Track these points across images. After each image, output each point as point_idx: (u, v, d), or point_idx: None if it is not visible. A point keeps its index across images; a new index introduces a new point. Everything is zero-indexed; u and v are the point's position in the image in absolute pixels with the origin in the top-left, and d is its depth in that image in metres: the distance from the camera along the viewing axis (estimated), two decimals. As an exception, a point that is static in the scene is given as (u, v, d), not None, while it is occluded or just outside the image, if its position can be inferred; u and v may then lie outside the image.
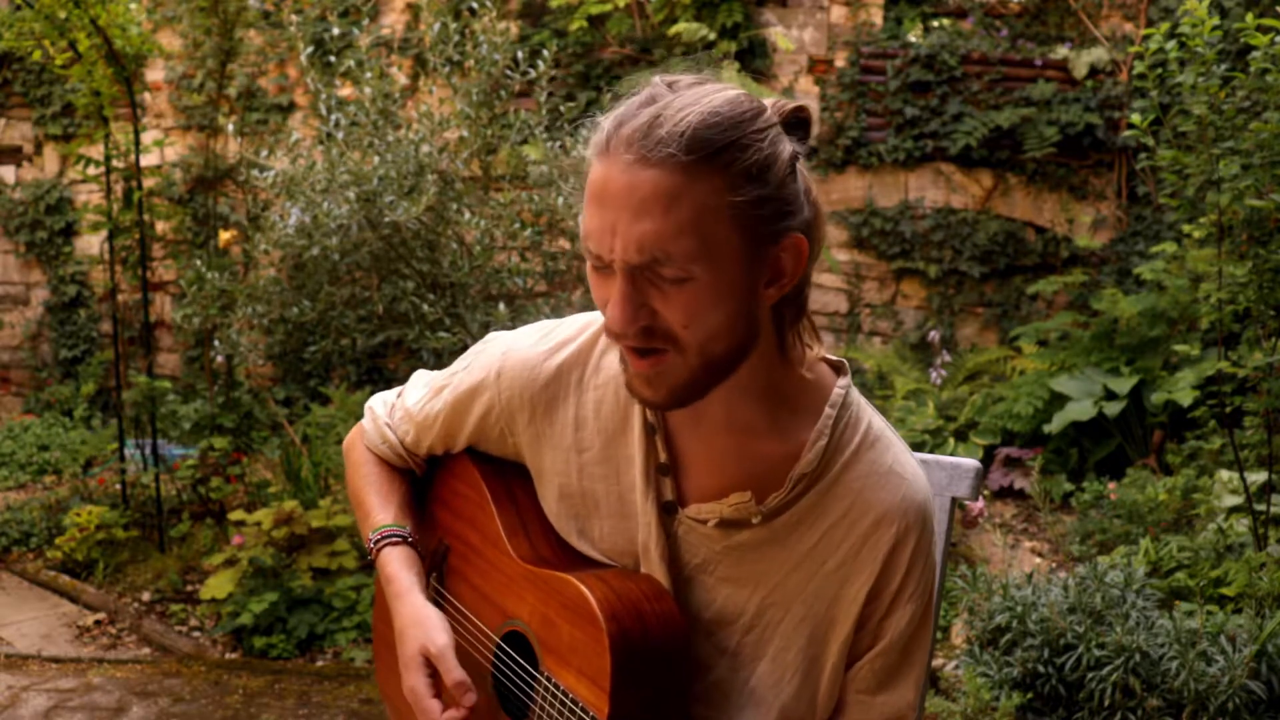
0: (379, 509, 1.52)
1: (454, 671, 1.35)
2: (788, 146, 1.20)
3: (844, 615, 1.31)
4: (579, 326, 1.41)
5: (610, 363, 1.37)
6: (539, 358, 1.39)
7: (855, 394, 1.35)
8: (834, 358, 1.37)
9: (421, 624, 1.40)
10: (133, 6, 4.87)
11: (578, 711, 1.28)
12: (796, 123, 1.23)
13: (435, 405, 1.49)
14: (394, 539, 1.49)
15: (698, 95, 1.17)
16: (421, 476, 1.60)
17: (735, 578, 1.33)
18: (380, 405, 1.59)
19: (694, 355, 1.19)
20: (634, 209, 1.13)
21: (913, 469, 1.33)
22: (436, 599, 1.54)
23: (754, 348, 1.24)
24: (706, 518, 1.32)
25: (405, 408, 1.54)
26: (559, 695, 1.31)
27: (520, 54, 4.32)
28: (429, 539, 1.57)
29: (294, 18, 6.10)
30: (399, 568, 1.47)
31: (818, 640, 1.33)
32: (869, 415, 1.35)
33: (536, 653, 1.36)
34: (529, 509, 1.45)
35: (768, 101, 1.22)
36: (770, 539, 1.31)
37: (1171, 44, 3.29)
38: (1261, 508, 3.55)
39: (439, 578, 1.55)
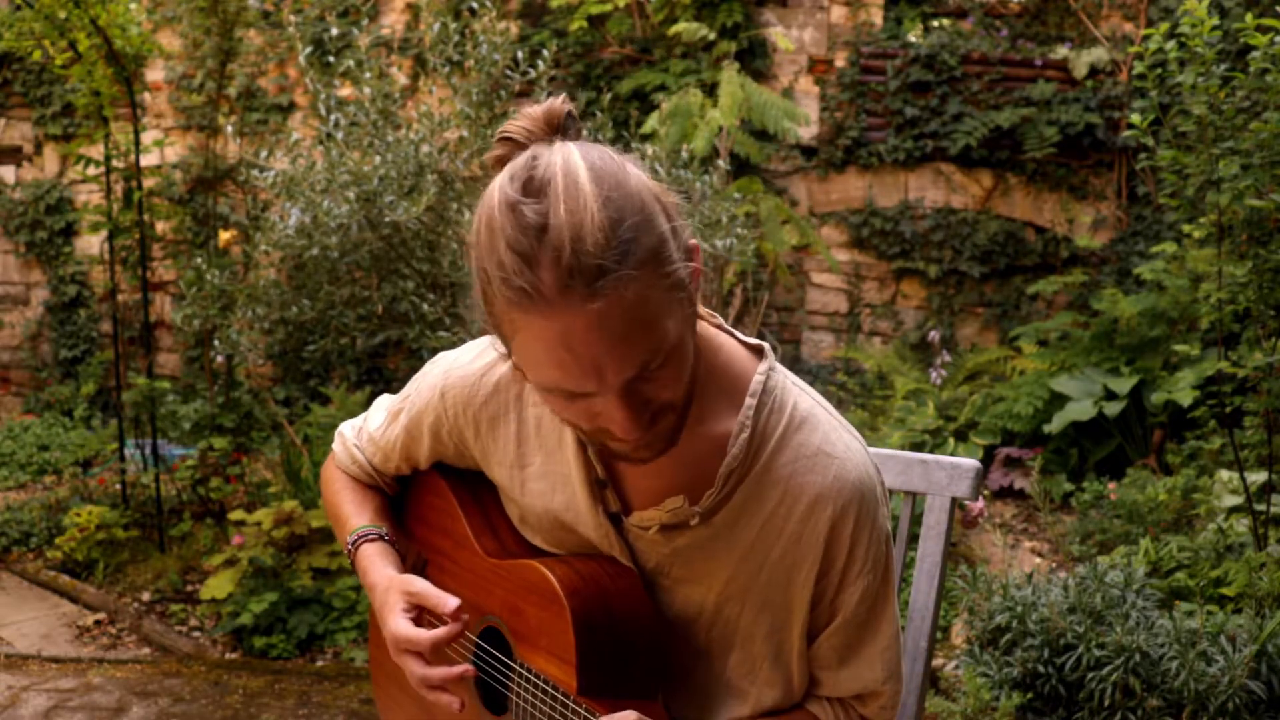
0: (354, 515, 1.56)
1: (433, 594, 1.35)
2: (637, 174, 1.14)
3: (798, 600, 1.32)
4: None
5: None
6: (476, 374, 1.41)
7: (778, 377, 1.32)
8: (753, 341, 1.35)
9: (399, 580, 1.42)
10: (133, 6, 4.86)
11: (550, 691, 1.29)
12: (566, 122, 1.18)
13: (393, 431, 1.52)
14: (370, 536, 1.52)
15: (576, 205, 1.08)
16: (394, 496, 1.63)
17: (688, 578, 1.34)
18: (349, 430, 1.63)
19: (684, 407, 1.22)
20: (613, 340, 1.09)
21: (843, 446, 1.31)
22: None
23: None
24: (648, 525, 1.33)
25: (369, 433, 1.58)
26: (532, 679, 1.33)
27: (520, 54, 4.32)
28: (407, 554, 1.59)
29: (293, 18, 6.10)
30: (375, 558, 1.49)
31: (779, 627, 1.34)
32: (794, 397, 1.32)
33: (510, 643, 1.38)
34: (495, 511, 1.48)
35: (532, 112, 1.18)
36: (712, 537, 1.32)
37: (1171, 44, 3.29)
38: (1261, 508, 3.55)
39: None
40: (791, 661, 1.36)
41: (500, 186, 1.12)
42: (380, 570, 1.47)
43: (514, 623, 1.37)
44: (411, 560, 1.59)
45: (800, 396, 1.33)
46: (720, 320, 1.36)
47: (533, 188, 1.09)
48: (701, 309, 1.31)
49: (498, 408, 1.39)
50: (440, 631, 1.32)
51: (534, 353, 1.12)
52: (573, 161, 1.11)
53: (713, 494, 1.29)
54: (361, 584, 1.53)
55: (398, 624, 1.37)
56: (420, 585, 1.38)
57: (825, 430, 1.32)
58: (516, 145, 1.18)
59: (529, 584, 1.34)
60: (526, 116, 1.19)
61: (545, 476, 1.37)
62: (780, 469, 1.29)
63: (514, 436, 1.39)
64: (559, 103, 1.19)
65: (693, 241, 1.19)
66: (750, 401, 1.29)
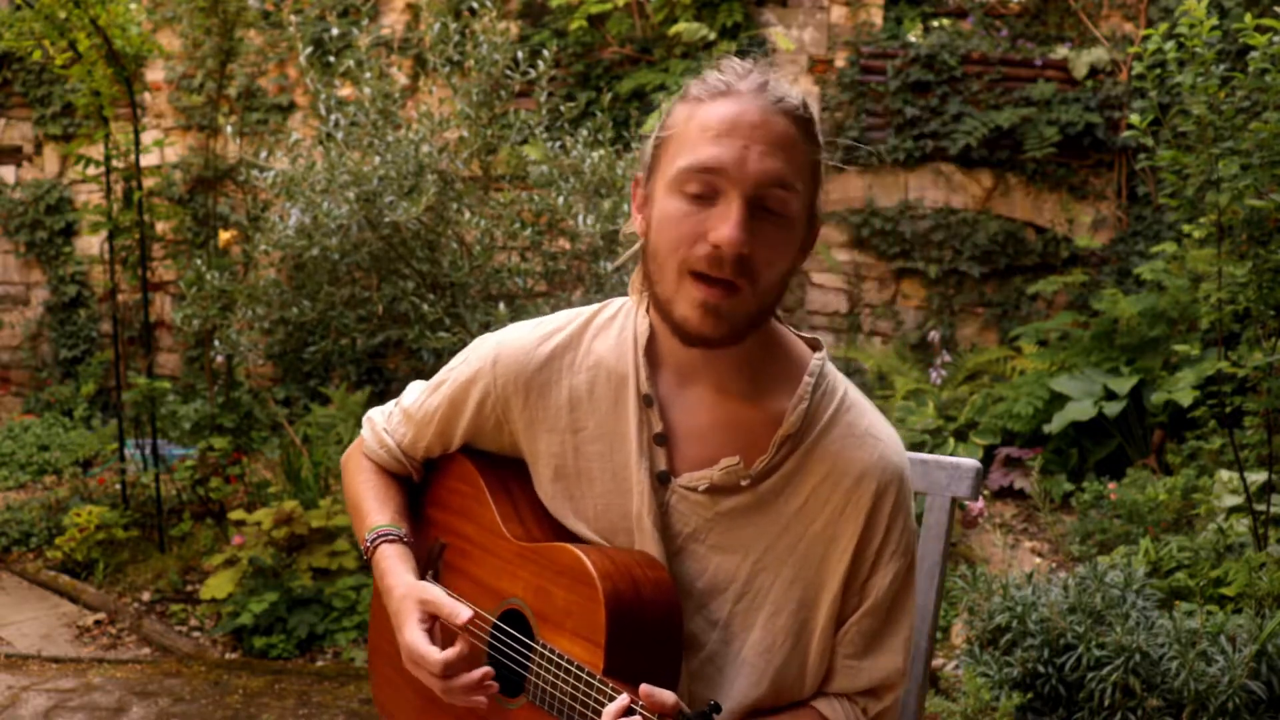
0: (375, 512, 1.57)
1: (446, 604, 1.40)
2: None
3: (832, 575, 1.37)
4: (569, 316, 1.49)
5: (600, 346, 1.45)
6: (532, 344, 1.47)
7: (831, 366, 1.44)
8: (809, 335, 1.47)
9: (415, 588, 1.45)
10: (133, 6, 4.86)
11: (574, 670, 1.30)
12: None
13: (433, 401, 1.55)
14: (389, 538, 1.53)
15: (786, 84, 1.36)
16: (418, 482, 1.64)
17: (725, 545, 1.38)
18: (378, 414, 1.66)
19: (760, 296, 1.31)
20: (770, 142, 1.28)
21: (888, 432, 1.42)
22: None
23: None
24: (697, 484, 1.38)
25: (403, 408, 1.60)
26: (555, 658, 1.33)
27: (520, 54, 4.32)
28: (425, 540, 1.60)
29: (294, 18, 6.10)
30: (393, 562, 1.51)
31: (808, 603, 1.37)
32: (844, 385, 1.44)
33: (532, 625, 1.39)
34: (523, 497, 1.50)
35: None
36: (757, 504, 1.37)
37: (1171, 44, 3.29)
38: (1261, 508, 3.55)
39: (435, 575, 1.58)
40: (811, 642, 1.38)
41: None
42: (399, 575, 1.48)
43: (539, 605, 1.38)
44: (428, 546, 1.59)
45: (849, 386, 1.45)
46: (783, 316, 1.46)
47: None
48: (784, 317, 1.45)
49: (550, 374, 1.45)
50: (450, 653, 1.36)
51: (697, 132, 1.29)
52: None
53: (765, 459, 1.36)
54: (376, 584, 1.55)
55: (413, 636, 1.40)
56: (434, 594, 1.42)
57: (871, 417, 1.42)
58: None
59: (561, 566, 1.36)
60: None
61: (602, 437, 1.42)
62: (830, 444, 1.37)
63: (566, 402, 1.44)
64: None
65: (819, 222, 1.39)
66: (809, 380, 1.39)
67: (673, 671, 1.33)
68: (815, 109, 1.36)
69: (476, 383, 1.49)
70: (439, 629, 1.43)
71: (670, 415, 1.40)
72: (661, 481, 1.40)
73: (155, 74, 7.13)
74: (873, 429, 1.40)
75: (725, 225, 1.26)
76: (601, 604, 1.28)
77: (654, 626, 1.31)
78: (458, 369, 1.53)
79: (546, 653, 1.35)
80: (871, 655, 1.39)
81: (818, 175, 1.34)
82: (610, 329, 1.46)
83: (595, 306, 1.49)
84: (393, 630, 1.47)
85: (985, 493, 5.17)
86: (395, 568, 1.50)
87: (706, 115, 1.29)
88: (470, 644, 1.42)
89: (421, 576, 1.53)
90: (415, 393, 1.60)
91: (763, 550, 1.37)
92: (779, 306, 1.39)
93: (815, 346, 1.46)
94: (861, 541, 1.36)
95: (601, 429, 1.42)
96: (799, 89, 1.35)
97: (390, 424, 1.62)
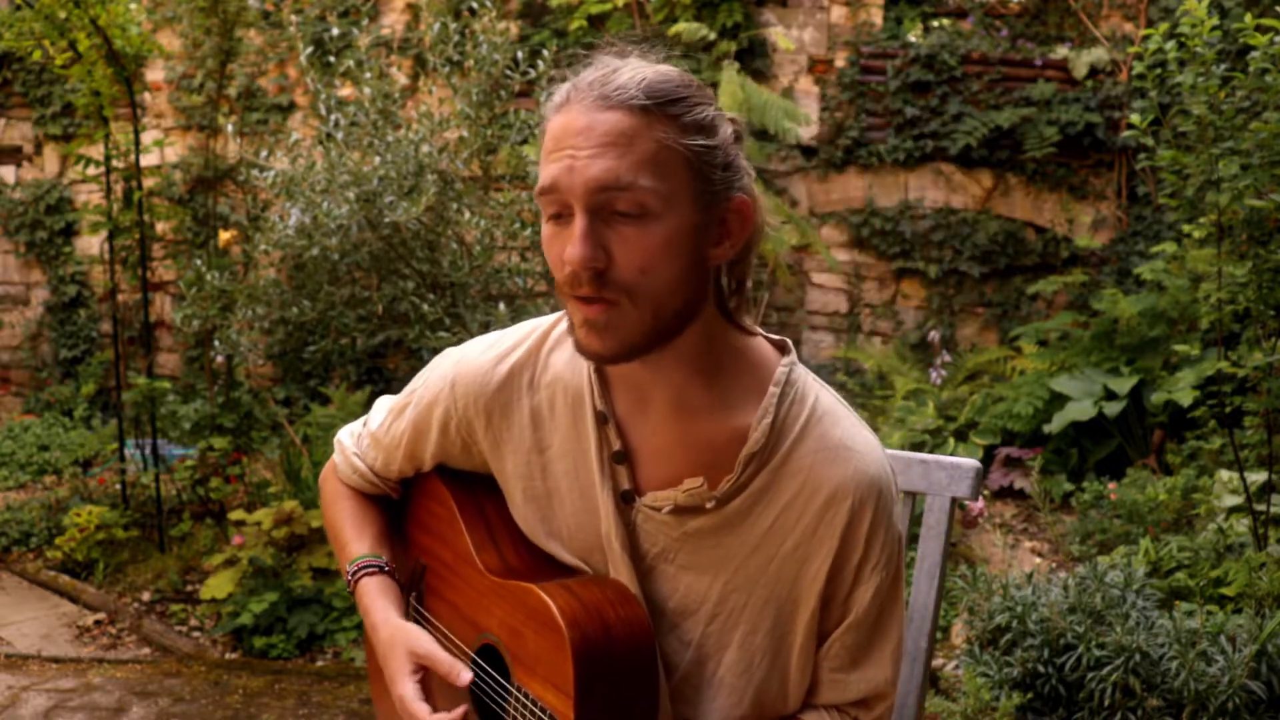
0: (354, 540, 1.54)
1: (444, 661, 1.36)
2: (728, 123, 1.26)
3: (807, 594, 1.31)
4: (525, 332, 1.43)
5: (557, 360, 1.39)
6: (489, 364, 1.41)
7: (800, 370, 1.35)
8: (776, 337, 1.37)
9: (403, 634, 1.42)
10: (133, 6, 4.86)
11: (547, 718, 1.27)
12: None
13: (399, 426, 1.50)
14: (370, 569, 1.50)
15: (648, 62, 1.25)
16: (398, 499, 1.61)
17: (695, 565, 1.33)
18: (348, 437, 1.61)
19: (646, 307, 1.21)
20: (594, 144, 1.18)
21: (864, 440, 1.33)
22: (416, 618, 1.55)
23: (701, 311, 1.26)
24: (661, 505, 1.32)
25: (370, 433, 1.56)
26: (529, 704, 1.31)
27: (520, 54, 4.32)
28: (407, 560, 1.58)
29: (294, 18, 6.10)
30: (376, 596, 1.47)
31: (783, 621, 1.33)
32: (816, 390, 1.34)
33: (508, 664, 1.36)
34: (498, 521, 1.45)
35: None
36: (725, 524, 1.31)
37: (1171, 44, 3.29)
38: (1261, 508, 3.55)
39: (418, 597, 1.56)
40: (790, 659, 1.34)
41: None
42: (383, 611, 1.45)
43: (513, 645, 1.35)
44: (410, 567, 1.57)
45: (821, 391, 1.35)
46: (748, 321, 1.36)
47: (631, 55, 1.28)
48: (750, 322, 1.35)
49: (510, 394, 1.39)
50: (443, 716, 1.33)
51: (543, 155, 1.23)
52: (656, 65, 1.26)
53: (731, 479, 1.29)
54: (362, 620, 1.51)
55: (406, 690, 1.37)
56: (427, 646, 1.38)
57: (846, 425, 1.33)
58: None
59: (529, 609, 1.31)
60: None
61: (566, 455, 1.37)
62: (801, 459, 1.30)
63: (529, 422, 1.39)
64: None
65: (744, 197, 1.25)
66: (774, 390, 1.30)
67: (650, 707, 1.30)
68: (682, 82, 1.23)
69: (437, 407, 1.44)
70: (430, 674, 1.40)
71: (630, 433, 1.34)
72: (626, 501, 1.34)
73: (155, 74, 7.13)
74: (846, 440, 1.31)
75: (570, 244, 1.19)
76: (569, 655, 1.24)
77: (627, 668, 1.27)
78: (419, 392, 1.48)
79: (521, 697, 1.32)
80: (859, 668, 1.35)
81: (694, 154, 1.21)
82: (566, 342, 1.38)
83: (552, 318, 1.43)
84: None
85: (985, 493, 5.17)
86: (378, 604, 1.46)
87: (547, 134, 1.23)
88: (466, 711, 1.40)
89: (405, 598, 1.51)
90: (381, 413, 1.55)
91: (733, 570, 1.32)
92: (704, 308, 1.27)
93: (784, 349, 1.36)
94: (838, 560, 1.30)
95: (565, 447, 1.37)
96: (656, 69, 1.23)
97: (360, 447, 1.57)
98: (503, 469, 1.43)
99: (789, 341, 1.37)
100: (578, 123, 1.20)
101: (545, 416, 1.38)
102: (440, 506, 1.50)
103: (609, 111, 1.19)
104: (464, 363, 1.43)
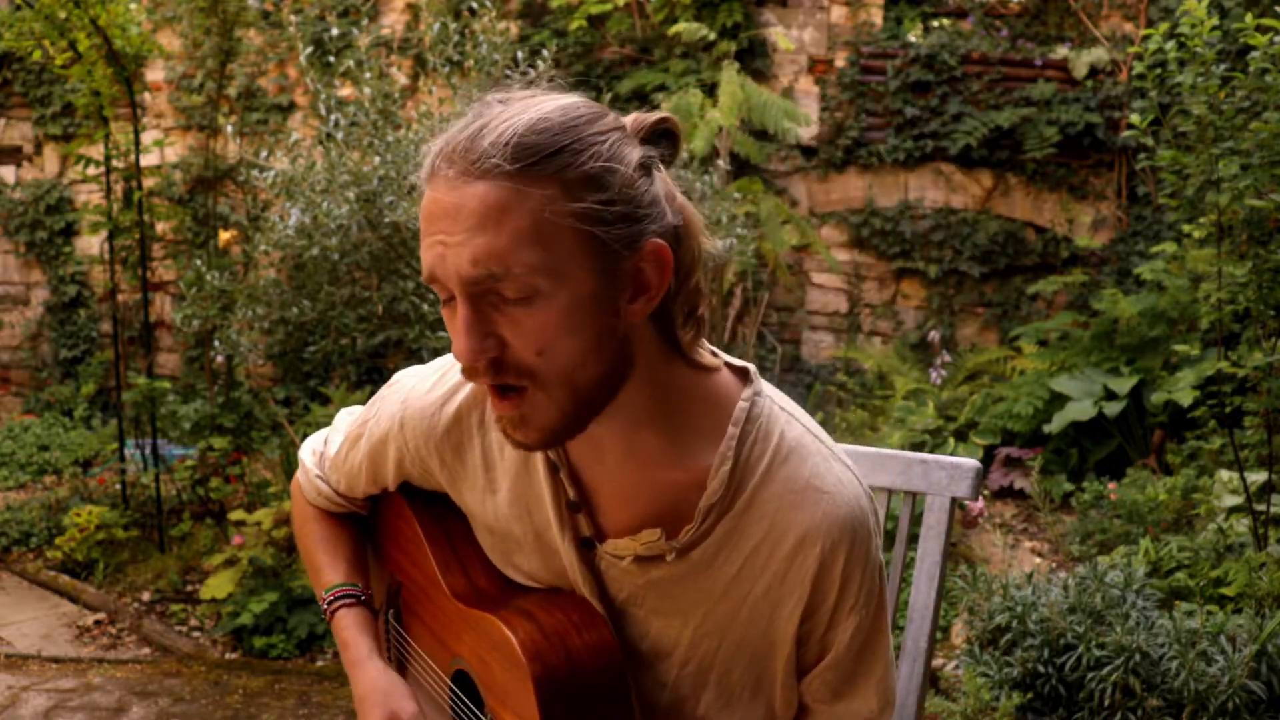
0: (328, 567, 1.49)
1: None
2: (635, 151, 1.11)
3: (781, 637, 1.26)
4: None
5: None
6: (435, 405, 1.33)
7: (764, 403, 1.23)
8: (740, 363, 1.27)
9: (385, 692, 1.38)
10: (133, 6, 4.87)
11: None
12: (661, 134, 1.16)
13: (355, 456, 1.45)
14: (347, 599, 1.46)
15: (526, 105, 1.10)
16: (369, 514, 1.57)
17: (664, 610, 1.27)
18: (309, 456, 1.55)
19: (557, 388, 1.10)
20: (464, 228, 1.05)
21: (834, 477, 1.22)
22: (394, 637, 1.54)
23: (629, 372, 1.15)
24: (622, 554, 1.25)
25: (330, 458, 1.50)
26: None
27: (520, 54, 4.32)
28: (383, 575, 1.55)
29: (294, 18, 6.11)
30: (354, 633, 1.44)
31: (760, 661, 1.28)
32: (782, 423, 1.23)
33: (480, 693, 1.34)
34: (463, 542, 1.40)
35: (628, 118, 1.16)
36: (690, 571, 1.24)
37: (1171, 44, 3.29)
38: (1261, 508, 3.55)
39: (396, 614, 1.54)
40: (774, 692, 1.30)
41: None
42: (361, 650, 1.42)
43: (483, 675, 1.33)
44: (387, 583, 1.54)
45: (788, 424, 1.24)
46: (710, 348, 1.27)
47: (512, 99, 1.13)
48: (703, 344, 1.24)
49: (460, 435, 1.32)
50: None
51: (420, 236, 1.11)
52: (560, 95, 1.13)
53: (691, 529, 1.22)
54: (340, 654, 1.47)
55: None
56: (409, 715, 1.36)
57: (815, 462, 1.22)
58: None
59: (492, 641, 1.28)
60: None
61: (516, 500, 1.30)
62: (766, 504, 1.21)
63: (480, 463, 1.32)
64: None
65: (656, 242, 1.10)
66: (733, 431, 1.21)
67: None
68: (562, 128, 1.07)
69: (389, 443, 1.37)
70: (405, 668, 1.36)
71: (587, 479, 1.26)
72: (587, 547, 1.27)
73: (155, 74, 7.14)
74: (815, 480, 1.21)
75: (456, 337, 1.09)
76: (532, 691, 1.21)
77: (594, 695, 1.24)
78: (371, 424, 1.41)
79: None
80: (843, 699, 1.30)
81: (581, 216, 1.06)
82: None
83: None
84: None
85: (985, 493, 5.17)
86: (358, 641, 1.43)
87: (421, 209, 1.11)
88: (435, 704, 1.36)
89: (383, 615, 1.49)
90: (339, 436, 1.49)
91: (702, 616, 1.25)
92: (638, 361, 1.16)
93: (746, 378, 1.24)
94: (810, 605, 1.23)
95: (514, 492, 1.29)
96: (529, 119, 1.07)
97: (323, 468, 1.52)
98: (463, 501, 1.37)
99: (751, 368, 1.26)
100: (444, 201, 1.06)
101: (496, 459, 1.30)
102: (407, 526, 1.46)
103: (477, 183, 1.05)
104: (410, 403, 1.34)
